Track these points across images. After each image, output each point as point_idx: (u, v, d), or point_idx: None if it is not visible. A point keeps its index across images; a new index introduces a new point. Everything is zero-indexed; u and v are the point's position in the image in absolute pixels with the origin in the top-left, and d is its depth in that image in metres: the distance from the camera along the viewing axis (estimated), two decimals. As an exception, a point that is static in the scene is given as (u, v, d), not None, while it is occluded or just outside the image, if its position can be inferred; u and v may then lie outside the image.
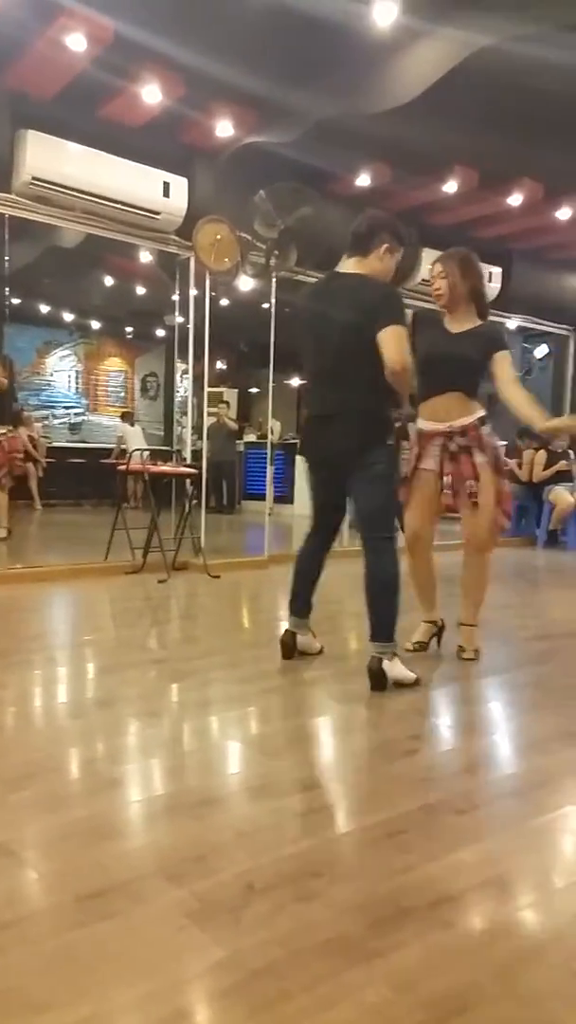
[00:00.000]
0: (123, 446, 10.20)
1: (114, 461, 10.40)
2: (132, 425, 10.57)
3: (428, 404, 3.23)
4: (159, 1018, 1.12)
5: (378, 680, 2.74)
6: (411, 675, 2.80)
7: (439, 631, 3.42)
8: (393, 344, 2.67)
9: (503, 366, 3.16)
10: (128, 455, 9.60)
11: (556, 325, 8.81)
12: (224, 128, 5.33)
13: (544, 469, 7.86)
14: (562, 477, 7.82)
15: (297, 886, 1.47)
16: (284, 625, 3.16)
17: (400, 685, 2.76)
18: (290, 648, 3.09)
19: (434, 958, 1.28)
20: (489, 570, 3.37)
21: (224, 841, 1.64)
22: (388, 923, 1.36)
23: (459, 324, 3.23)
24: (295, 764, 2.15)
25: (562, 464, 7.81)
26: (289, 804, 1.85)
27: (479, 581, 3.35)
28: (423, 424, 3.24)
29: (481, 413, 3.20)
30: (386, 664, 2.75)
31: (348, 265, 2.90)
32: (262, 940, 1.30)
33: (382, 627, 2.76)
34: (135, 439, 10.22)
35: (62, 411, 12.41)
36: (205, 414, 6.74)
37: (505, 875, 1.55)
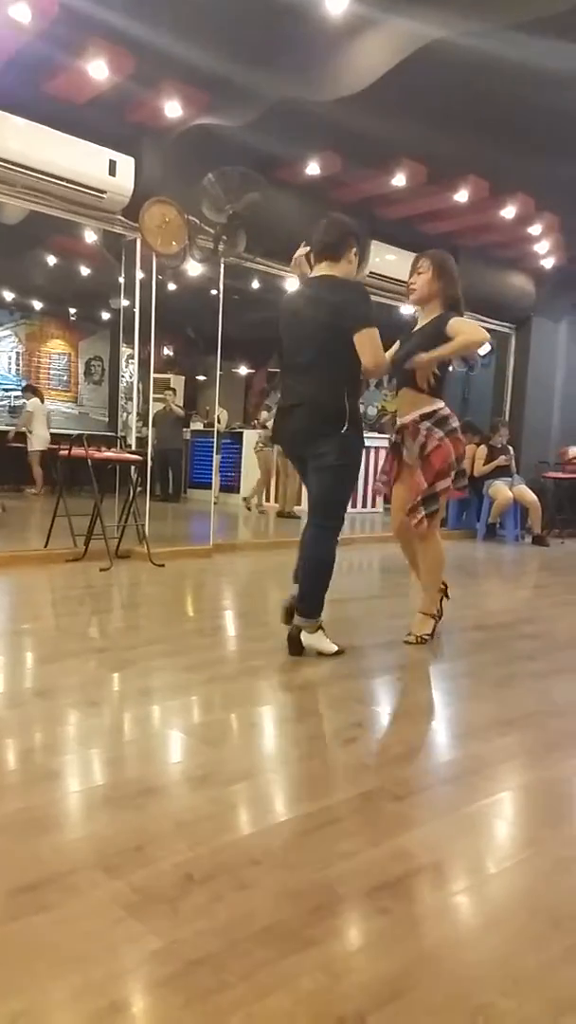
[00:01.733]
0: (25, 428, 9.73)
1: (14, 441, 9.79)
2: (43, 401, 10.01)
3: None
4: (94, 1011, 1.10)
5: (293, 645, 3.04)
6: (332, 647, 3.05)
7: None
8: (368, 347, 2.91)
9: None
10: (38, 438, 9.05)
11: (499, 323, 8.98)
12: (173, 108, 5.22)
13: (484, 464, 8.02)
14: (501, 472, 8.00)
15: (235, 875, 1.47)
16: (229, 615, 3.15)
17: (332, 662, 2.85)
18: (297, 644, 3.08)
19: (370, 944, 1.30)
20: (432, 556, 3.40)
21: (163, 831, 1.63)
22: (325, 910, 1.37)
23: (423, 322, 3.35)
24: (236, 753, 2.15)
25: (502, 459, 7.98)
26: (229, 793, 1.84)
27: (423, 567, 3.44)
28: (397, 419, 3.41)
29: (426, 409, 3.27)
30: (304, 635, 3.02)
31: (321, 269, 3.08)
32: (199, 930, 1.29)
33: (305, 603, 3.03)
34: (41, 421, 9.75)
35: (1, 394, 12.07)
36: (151, 400, 6.63)
37: (441, 861, 1.58)
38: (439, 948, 1.30)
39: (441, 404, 3.30)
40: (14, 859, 1.50)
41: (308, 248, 3.11)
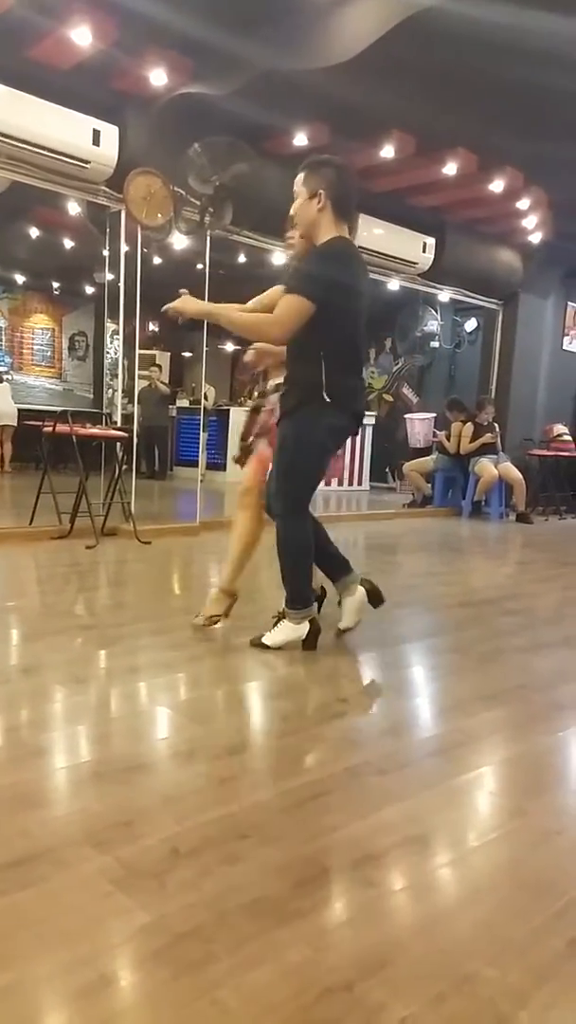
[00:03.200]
0: None
1: None
2: (1, 382, 9.95)
3: None
4: (82, 984, 1.11)
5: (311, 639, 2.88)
6: (279, 642, 2.83)
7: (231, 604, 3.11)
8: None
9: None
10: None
11: (486, 299, 8.94)
12: (158, 76, 5.11)
13: (470, 442, 8.03)
14: (487, 449, 8.02)
15: (223, 849, 1.48)
16: (213, 592, 3.14)
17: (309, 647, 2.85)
18: (315, 637, 2.87)
19: (356, 916, 1.32)
20: (253, 531, 3.08)
21: (150, 806, 1.63)
22: (312, 883, 1.39)
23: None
24: (223, 729, 2.16)
25: (488, 437, 8.00)
26: (216, 768, 1.85)
27: (243, 539, 3.09)
28: None
29: (279, 380, 2.92)
30: (279, 624, 2.87)
31: (349, 232, 2.80)
32: (187, 904, 1.30)
33: (286, 588, 2.88)
34: (2, 398, 9.67)
35: (-15, 369, 11.91)
36: (136, 377, 6.57)
37: (426, 834, 1.60)
38: (424, 919, 1.32)
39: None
40: (2, 833, 1.50)
41: None
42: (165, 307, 2.86)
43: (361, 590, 3.02)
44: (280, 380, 2.91)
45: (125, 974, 1.16)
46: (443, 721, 2.32)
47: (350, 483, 9.63)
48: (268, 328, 2.71)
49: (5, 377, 10.28)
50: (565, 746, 2.17)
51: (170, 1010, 1.08)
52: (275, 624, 2.90)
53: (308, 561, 2.88)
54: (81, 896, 1.32)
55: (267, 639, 2.85)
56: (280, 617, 2.92)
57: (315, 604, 2.95)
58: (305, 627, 2.84)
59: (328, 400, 2.67)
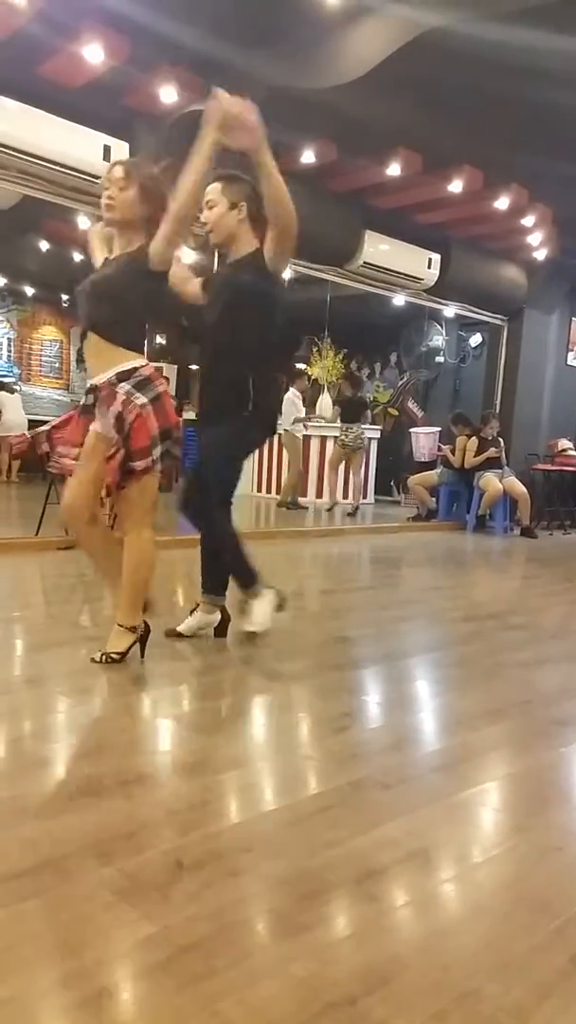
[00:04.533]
0: None
1: None
2: (12, 393, 10.29)
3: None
4: (84, 997, 1.11)
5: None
6: (264, 622, 3.01)
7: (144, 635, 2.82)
8: None
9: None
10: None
11: (491, 314, 8.99)
12: (168, 93, 5.18)
13: (475, 456, 8.04)
14: (492, 464, 8.03)
15: (226, 862, 1.48)
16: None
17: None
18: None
19: (359, 931, 1.32)
20: (138, 553, 2.66)
21: (154, 819, 1.64)
22: (315, 897, 1.39)
23: (120, 250, 2.69)
24: (227, 742, 2.16)
25: (492, 451, 8.01)
26: (220, 781, 1.85)
27: (126, 566, 2.65)
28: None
29: (124, 366, 2.57)
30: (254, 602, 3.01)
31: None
32: (191, 916, 1.30)
33: (235, 580, 3.03)
34: (13, 408, 9.99)
35: (-10, 380, 11.99)
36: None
37: (429, 849, 1.60)
38: (427, 935, 1.32)
39: (142, 361, 2.61)
40: (5, 845, 1.50)
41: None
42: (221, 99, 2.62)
43: (217, 617, 3.13)
44: (124, 368, 2.57)
45: (128, 986, 1.16)
46: (446, 736, 2.32)
47: (364, 496, 9.59)
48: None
49: (15, 388, 10.45)
50: (568, 762, 2.16)
51: (172, 1022, 1.08)
52: (241, 611, 3.05)
53: (240, 543, 3.01)
54: (84, 907, 1.32)
55: (252, 626, 3.00)
56: (245, 601, 3.05)
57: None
58: (272, 593, 3.04)
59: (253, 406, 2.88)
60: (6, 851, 1.48)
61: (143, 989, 1.15)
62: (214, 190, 2.84)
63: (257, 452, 10.05)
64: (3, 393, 10.14)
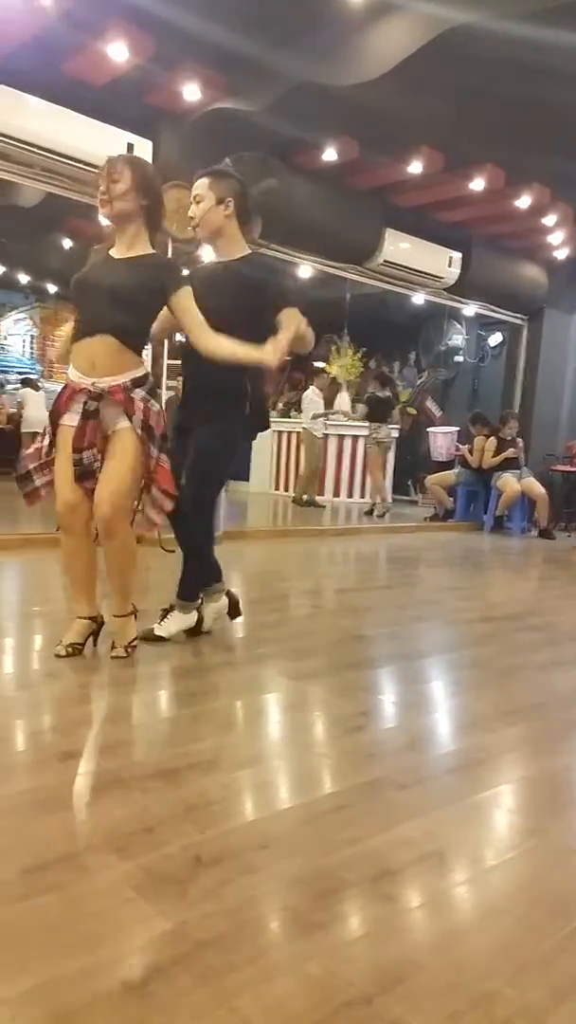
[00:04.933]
0: (20, 412, 9.93)
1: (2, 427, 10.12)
2: (37, 390, 10.18)
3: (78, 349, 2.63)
4: (103, 990, 1.13)
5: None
6: (172, 632, 2.97)
7: (97, 629, 2.82)
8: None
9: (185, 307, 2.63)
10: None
11: (511, 314, 8.93)
12: (192, 91, 5.20)
13: (493, 456, 8.00)
14: (510, 464, 7.98)
15: (243, 859, 1.49)
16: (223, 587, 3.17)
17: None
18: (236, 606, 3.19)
19: (375, 931, 1.32)
20: (128, 552, 2.74)
21: (172, 814, 1.65)
22: (331, 896, 1.40)
23: (125, 248, 2.68)
24: (244, 739, 2.18)
25: (511, 452, 7.97)
26: (236, 778, 1.87)
27: (116, 567, 2.74)
28: (71, 374, 2.65)
29: (137, 373, 2.61)
30: (170, 616, 2.98)
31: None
32: (208, 912, 1.32)
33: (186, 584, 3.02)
34: (36, 405, 9.83)
35: (16, 376, 12.09)
36: (164, 387, 6.63)
37: (445, 850, 1.60)
38: (443, 935, 1.32)
39: (147, 366, 2.71)
40: (25, 838, 1.52)
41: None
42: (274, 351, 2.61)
43: (225, 600, 3.16)
44: (137, 374, 2.62)
45: (145, 980, 1.17)
46: (462, 737, 2.32)
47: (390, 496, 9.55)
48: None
49: (39, 386, 10.48)
50: (586, 766, 2.16)
51: (189, 1018, 1.09)
52: (162, 618, 3.00)
53: (212, 553, 3.05)
54: (103, 901, 1.34)
55: (160, 630, 2.96)
56: (169, 610, 3.02)
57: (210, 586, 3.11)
58: (194, 616, 3.02)
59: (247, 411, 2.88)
60: (26, 843, 1.50)
61: (160, 984, 1.16)
62: (201, 185, 2.84)
63: (276, 449, 10.11)
64: (28, 389, 10.18)
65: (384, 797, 1.82)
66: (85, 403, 2.57)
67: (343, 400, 9.43)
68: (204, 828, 1.59)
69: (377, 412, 8.45)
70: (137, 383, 2.60)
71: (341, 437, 9.36)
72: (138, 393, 2.59)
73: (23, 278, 11.35)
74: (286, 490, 9.61)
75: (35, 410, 10.03)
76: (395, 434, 8.99)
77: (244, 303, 2.75)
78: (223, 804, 1.73)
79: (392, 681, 2.84)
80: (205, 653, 2.90)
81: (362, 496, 9.54)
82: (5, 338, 12.17)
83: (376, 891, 1.42)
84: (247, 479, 9.68)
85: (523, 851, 1.63)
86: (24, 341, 12.32)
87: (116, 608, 2.77)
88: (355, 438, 9.28)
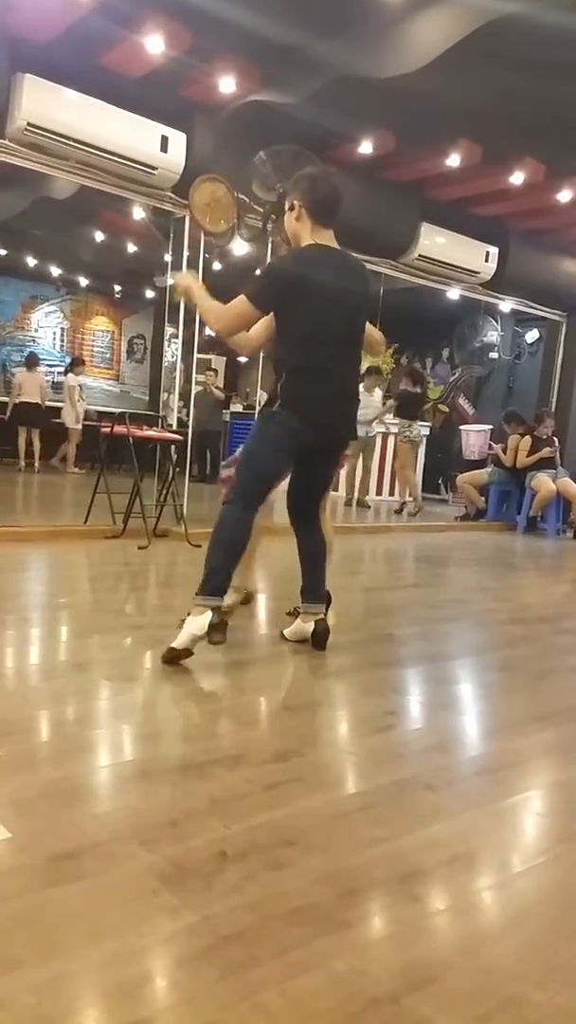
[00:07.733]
0: (16, 398, 9.28)
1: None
2: (32, 371, 9.45)
3: None
4: (127, 979, 1.12)
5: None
6: (190, 636, 2.59)
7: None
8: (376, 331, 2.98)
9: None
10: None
11: (549, 310, 8.79)
12: (227, 84, 5.18)
13: (528, 456, 7.88)
14: (545, 464, 7.86)
15: (269, 854, 1.48)
16: (263, 597, 3.17)
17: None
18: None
19: (402, 931, 1.30)
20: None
21: (198, 808, 1.64)
22: (358, 894, 1.38)
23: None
24: (271, 735, 2.16)
25: (546, 451, 7.84)
26: (264, 774, 1.85)
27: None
28: None
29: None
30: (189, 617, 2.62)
31: (328, 238, 2.79)
32: (233, 906, 1.30)
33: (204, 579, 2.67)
34: (31, 387, 9.27)
35: (46, 369, 12.21)
36: (193, 381, 6.65)
37: (473, 853, 1.57)
38: (471, 938, 1.29)
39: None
40: (51, 827, 1.52)
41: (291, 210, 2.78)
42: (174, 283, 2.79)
43: (312, 626, 2.92)
44: None
45: (169, 971, 1.17)
46: (492, 740, 2.28)
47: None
48: (210, 318, 2.77)
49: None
50: (619, 771, 2.10)
51: (213, 1010, 1.08)
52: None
53: (236, 554, 2.72)
54: (129, 892, 1.33)
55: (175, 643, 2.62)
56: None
57: (223, 596, 2.72)
58: (207, 616, 2.59)
59: (282, 407, 2.70)
60: (54, 832, 1.50)
61: (184, 976, 1.15)
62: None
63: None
64: (21, 370, 9.54)
65: (412, 797, 1.79)
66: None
67: (376, 397, 9.37)
68: (230, 822, 1.58)
69: (408, 408, 8.37)
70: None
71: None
72: None
73: (55, 270, 11.44)
74: (335, 489, 9.53)
75: (28, 395, 9.31)
76: (424, 432, 8.91)
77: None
78: (248, 799, 1.71)
79: (421, 681, 2.81)
80: (230, 648, 2.89)
81: (391, 494, 9.46)
82: (36, 330, 12.29)
83: (404, 891, 1.40)
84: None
85: (554, 856, 1.60)
86: (55, 333, 12.43)
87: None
88: (384, 435, 9.20)
